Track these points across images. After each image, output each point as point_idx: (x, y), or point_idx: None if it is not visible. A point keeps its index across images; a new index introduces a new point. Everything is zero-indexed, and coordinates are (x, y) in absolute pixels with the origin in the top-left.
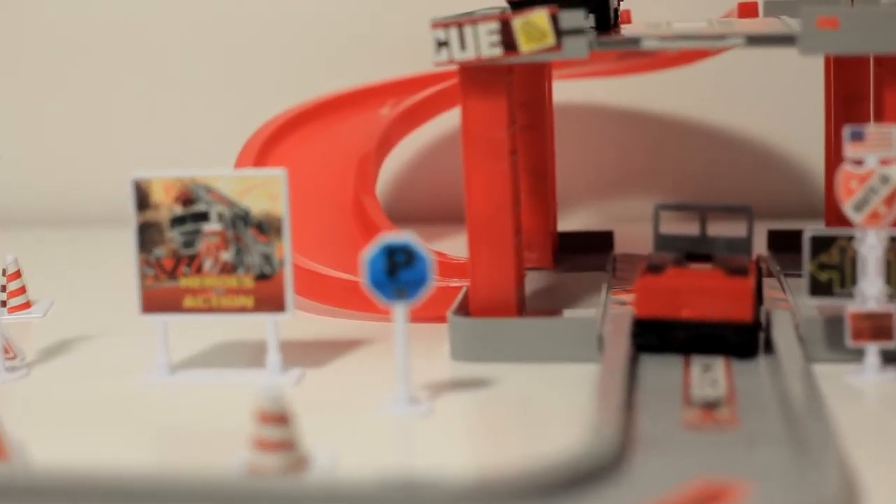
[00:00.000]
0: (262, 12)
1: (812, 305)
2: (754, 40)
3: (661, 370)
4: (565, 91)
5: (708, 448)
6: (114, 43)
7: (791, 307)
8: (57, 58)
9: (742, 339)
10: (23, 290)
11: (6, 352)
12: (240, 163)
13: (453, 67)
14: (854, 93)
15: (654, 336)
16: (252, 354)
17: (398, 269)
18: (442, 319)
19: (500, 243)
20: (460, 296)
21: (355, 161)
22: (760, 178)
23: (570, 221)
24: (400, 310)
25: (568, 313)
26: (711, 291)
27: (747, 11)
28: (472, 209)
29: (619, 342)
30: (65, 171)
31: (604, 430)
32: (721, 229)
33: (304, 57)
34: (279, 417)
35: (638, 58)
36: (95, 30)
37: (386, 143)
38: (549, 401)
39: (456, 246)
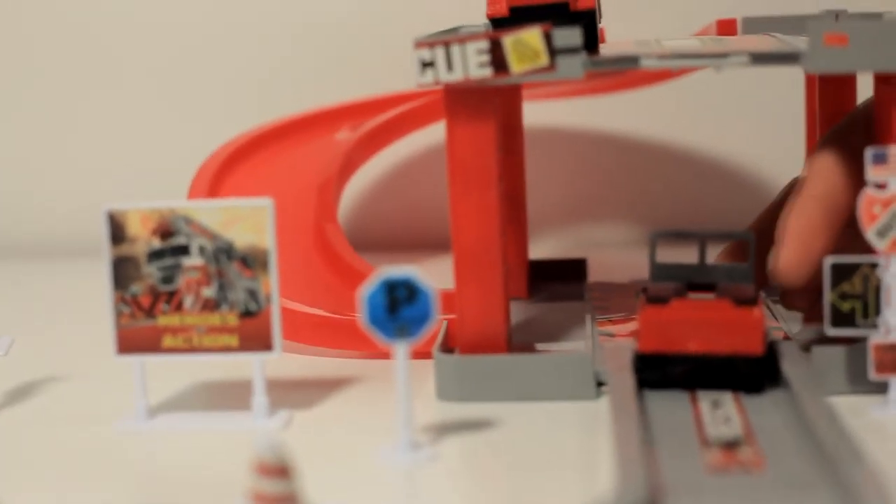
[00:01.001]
0: (211, 37)
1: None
2: (759, 58)
3: (667, 407)
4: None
5: (741, 494)
6: (64, 67)
7: (791, 336)
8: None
9: (752, 373)
10: None
11: None
12: (194, 189)
13: (435, 89)
14: (840, 111)
15: (658, 371)
16: (233, 395)
17: (399, 306)
18: (419, 356)
19: (488, 276)
20: (442, 331)
21: (314, 187)
22: (733, 199)
23: (536, 249)
24: (401, 349)
25: (555, 348)
26: (720, 323)
27: (726, 28)
28: (460, 240)
29: (624, 380)
30: (18, 199)
31: (631, 480)
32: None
33: (254, 81)
34: (280, 469)
35: (606, 77)
36: (46, 54)
37: (347, 168)
38: (556, 443)
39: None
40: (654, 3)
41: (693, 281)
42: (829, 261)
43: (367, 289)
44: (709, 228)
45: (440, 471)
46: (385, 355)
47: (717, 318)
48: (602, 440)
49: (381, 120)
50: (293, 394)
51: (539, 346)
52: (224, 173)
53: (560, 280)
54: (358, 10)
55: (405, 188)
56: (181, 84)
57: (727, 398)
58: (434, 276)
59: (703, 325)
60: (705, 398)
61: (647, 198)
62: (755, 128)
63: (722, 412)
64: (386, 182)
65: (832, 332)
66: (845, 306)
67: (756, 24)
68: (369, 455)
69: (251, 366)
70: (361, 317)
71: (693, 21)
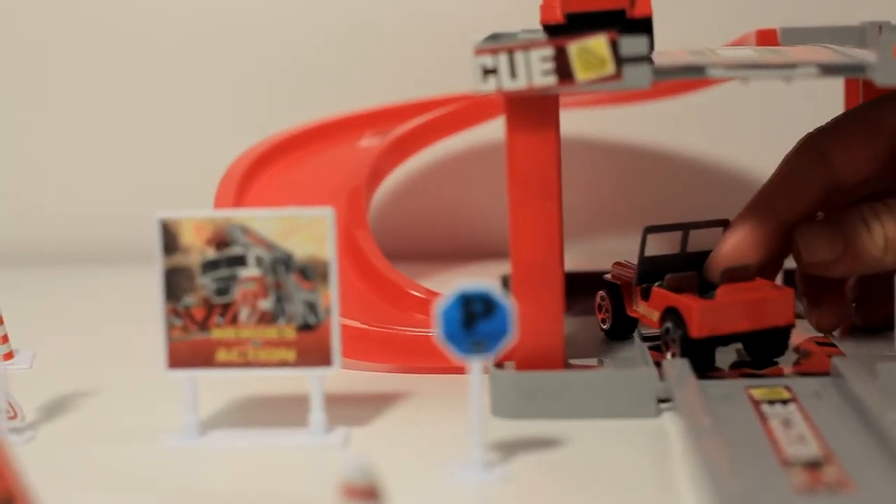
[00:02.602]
0: (233, 42)
1: None
2: (827, 70)
3: (738, 425)
4: None
5: None
6: (84, 70)
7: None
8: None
9: (781, 341)
10: (5, 338)
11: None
12: (220, 194)
13: (468, 96)
14: None
15: (710, 353)
16: (281, 410)
17: (475, 321)
18: (450, 370)
19: (547, 289)
20: None
21: (344, 194)
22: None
23: None
24: (476, 365)
25: (610, 364)
26: (765, 303)
27: (767, 39)
28: (519, 253)
29: (691, 397)
30: (45, 207)
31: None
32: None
33: (275, 86)
34: (368, 492)
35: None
36: (66, 56)
37: (376, 175)
38: (627, 462)
39: (443, 284)
40: (671, 14)
41: (678, 270)
42: None
43: (443, 303)
44: (690, 220)
45: (515, 491)
46: (419, 370)
47: (761, 297)
48: (674, 459)
49: (409, 127)
50: (342, 409)
51: (586, 360)
52: (249, 179)
53: (587, 292)
54: (381, 15)
55: (425, 196)
56: (202, 89)
57: (796, 417)
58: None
59: (752, 306)
60: (775, 417)
61: (664, 206)
62: (776, 138)
63: (795, 431)
64: (404, 189)
65: None
66: None
67: (795, 35)
68: (439, 474)
69: (299, 379)
70: (436, 331)
71: (712, 31)
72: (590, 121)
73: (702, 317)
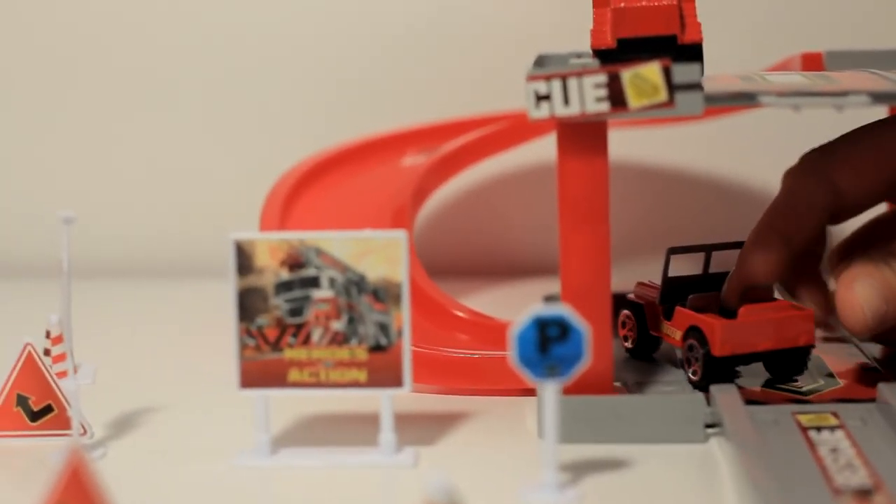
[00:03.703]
0: (278, 61)
1: None
2: (878, 98)
3: (787, 453)
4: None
5: None
6: (125, 90)
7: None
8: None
9: (801, 360)
10: (65, 355)
11: None
12: (266, 213)
13: (509, 115)
14: None
15: (731, 371)
16: (347, 429)
17: (550, 344)
18: (491, 392)
19: (597, 314)
20: None
21: (388, 213)
22: None
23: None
24: (551, 389)
25: (660, 387)
26: (786, 322)
27: (812, 62)
28: (569, 277)
29: (741, 423)
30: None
31: None
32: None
33: (320, 104)
34: None
35: None
36: (108, 73)
37: (420, 193)
38: (682, 486)
39: (478, 302)
40: (716, 35)
41: (700, 291)
42: None
43: (519, 326)
44: (714, 241)
45: None
46: (461, 391)
47: (782, 317)
48: (725, 485)
49: (455, 145)
50: (410, 428)
51: (630, 384)
52: (295, 197)
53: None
54: (425, 33)
55: (461, 214)
56: (248, 106)
57: (845, 444)
58: (491, 304)
59: (773, 326)
60: (823, 444)
61: (690, 228)
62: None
63: (844, 458)
64: (444, 207)
65: None
66: None
67: (840, 59)
68: (513, 496)
69: (364, 398)
70: (511, 354)
71: (756, 52)
72: (618, 143)
73: (724, 335)
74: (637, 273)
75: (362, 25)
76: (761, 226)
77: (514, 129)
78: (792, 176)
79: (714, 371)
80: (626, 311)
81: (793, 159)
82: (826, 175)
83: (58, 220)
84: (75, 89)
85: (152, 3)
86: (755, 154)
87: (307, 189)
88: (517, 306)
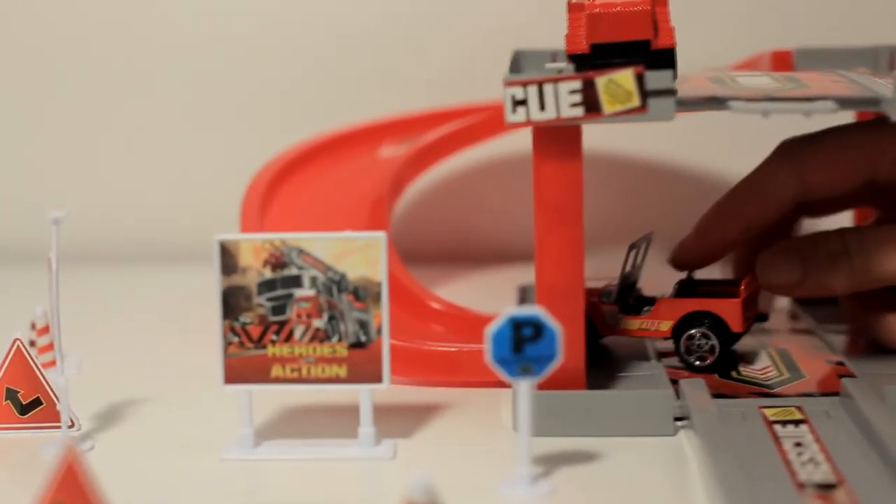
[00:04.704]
0: (249, 50)
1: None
2: (844, 103)
3: (751, 444)
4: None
5: None
6: (107, 79)
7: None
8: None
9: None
10: (52, 345)
11: None
12: (246, 205)
13: (486, 106)
14: None
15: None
16: (332, 421)
17: (524, 344)
18: (467, 384)
19: (570, 312)
20: None
21: (366, 205)
22: None
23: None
24: (524, 387)
25: (630, 381)
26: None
27: (782, 61)
28: (544, 278)
29: (707, 418)
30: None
31: None
32: None
33: (295, 95)
34: None
35: None
36: (93, 62)
37: (398, 184)
38: (656, 477)
39: (454, 290)
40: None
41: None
42: None
43: (494, 326)
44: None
45: None
46: (444, 383)
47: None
48: (694, 478)
49: (432, 137)
50: (386, 421)
51: (604, 375)
52: (274, 190)
53: None
54: (402, 25)
55: (433, 202)
56: (226, 98)
57: (809, 438)
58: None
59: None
60: (787, 438)
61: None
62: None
63: (807, 453)
64: (420, 193)
65: None
66: None
67: (809, 57)
68: (488, 489)
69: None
70: (486, 353)
71: (728, 47)
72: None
73: (743, 311)
74: (600, 267)
75: (340, 16)
76: (724, 202)
77: (493, 121)
78: (765, 160)
79: (729, 349)
80: None
81: (764, 152)
82: (796, 162)
83: (47, 221)
84: (59, 87)
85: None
86: (726, 147)
87: (286, 181)
88: (492, 294)
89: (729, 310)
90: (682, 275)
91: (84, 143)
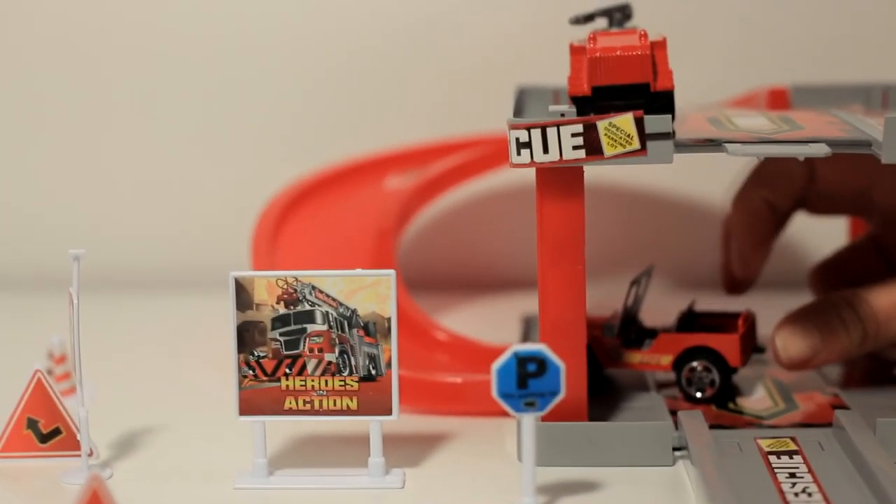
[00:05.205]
0: (260, 72)
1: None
2: (835, 146)
3: (747, 478)
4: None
5: None
6: (117, 110)
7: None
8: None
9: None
10: (68, 374)
11: None
12: (257, 240)
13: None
14: None
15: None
16: (343, 451)
17: (529, 379)
18: (471, 413)
19: (573, 346)
20: None
21: (372, 235)
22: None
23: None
24: (529, 422)
25: (631, 413)
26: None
27: (778, 98)
28: (547, 311)
29: (704, 450)
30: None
31: None
32: None
33: (301, 119)
34: None
35: None
36: (99, 95)
37: (405, 215)
38: None
39: (458, 319)
40: (685, 61)
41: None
42: None
43: (499, 362)
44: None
45: None
46: (451, 413)
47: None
48: None
49: (439, 169)
50: (395, 450)
51: (605, 406)
52: (282, 222)
53: None
54: (407, 57)
55: (437, 232)
56: (239, 128)
57: (802, 469)
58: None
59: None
60: (781, 469)
61: (653, 252)
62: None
63: (800, 483)
64: (430, 222)
65: None
66: None
67: (804, 94)
68: None
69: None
70: (492, 388)
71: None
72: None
73: (742, 347)
74: (599, 296)
75: (345, 49)
76: (746, 187)
77: (498, 153)
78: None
79: (728, 382)
80: None
81: None
82: None
83: (68, 258)
84: (65, 103)
85: (144, 16)
86: (725, 179)
87: (294, 214)
88: (496, 323)
89: (727, 345)
90: (683, 306)
91: (90, 168)
